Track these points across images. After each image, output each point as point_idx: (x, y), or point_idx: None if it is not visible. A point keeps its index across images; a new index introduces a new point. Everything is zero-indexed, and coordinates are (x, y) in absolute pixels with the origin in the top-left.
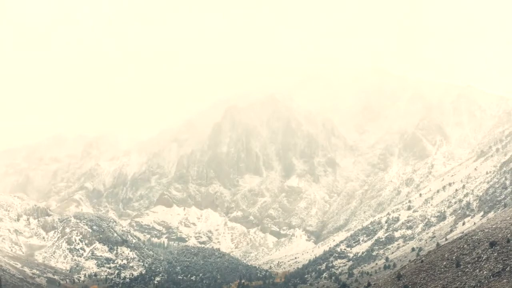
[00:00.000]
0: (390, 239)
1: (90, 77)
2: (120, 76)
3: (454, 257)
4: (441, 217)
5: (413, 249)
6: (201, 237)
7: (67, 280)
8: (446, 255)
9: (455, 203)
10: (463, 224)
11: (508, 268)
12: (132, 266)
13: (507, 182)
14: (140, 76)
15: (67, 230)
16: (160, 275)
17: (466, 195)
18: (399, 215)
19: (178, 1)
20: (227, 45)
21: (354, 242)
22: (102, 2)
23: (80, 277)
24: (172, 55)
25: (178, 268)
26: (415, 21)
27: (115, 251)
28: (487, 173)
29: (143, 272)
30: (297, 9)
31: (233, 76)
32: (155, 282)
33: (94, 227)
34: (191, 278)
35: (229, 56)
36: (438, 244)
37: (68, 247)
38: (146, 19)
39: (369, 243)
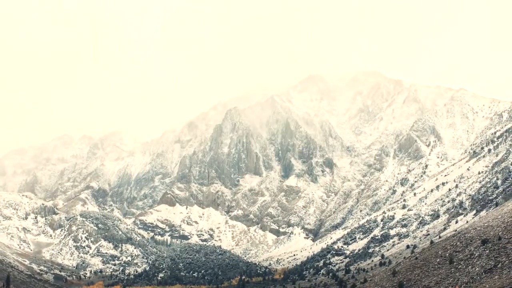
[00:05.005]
0: (385, 237)
1: (95, 79)
2: (124, 79)
3: (447, 254)
4: (435, 215)
5: (407, 247)
6: (203, 235)
7: (74, 276)
8: (439, 252)
9: (449, 202)
10: (456, 222)
11: (499, 265)
12: (136, 263)
13: (499, 182)
14: (144, 79)
15: (74, 228)
16: (163, 271)
17: (459, 194)
18: (394, 213)
19: (178, 4)
20: (227, 50)
21: (350, 240)
22: (103, 4)
23: (86, 274)
24: (174, 58)
25: (181, 264)
26: (411, 26)
27: (119, 249)
28: (479, 173)
29: (147, 269)
30: (296, 12)
31: (233, 80)
32: (159, 278)
33: (100, 225)
34: (193, 274)
35: (229, 60)
36: (432, 242)
37: (75, 244)
38: (147, 22)
39: (365, 240)
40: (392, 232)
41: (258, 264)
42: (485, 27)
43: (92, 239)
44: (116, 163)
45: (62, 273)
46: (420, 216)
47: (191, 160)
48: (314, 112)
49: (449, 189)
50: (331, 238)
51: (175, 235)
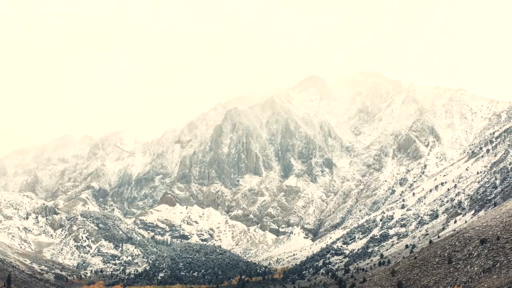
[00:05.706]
0: (384, 237)
1: (95, 80)
2: (125, 80)
3: (446, 254)
4: (434, 215)
5: (406, 246)
6: (203, 235)
7: (74, 276)
8: (438, 252)
9: (447, 202)
10: (455, 222)
11: (498, 265)
12: (137, 263)
13: (497, 182)
14: (144, 80)
15: (74, 228)
16: (164, 271)
17: (458, 194)
18: (393, 213)
19: (178, 4)
20: (228, 50)
21: (350, 240)
22: (103, 4)
23: (87, 273)
24: (175, 59)
25: (181, 264)
26: (410, 27)
27: (120, 248)
28: (478, 173)
29: (147, 268)
30: (296, 12)
31: (233, 80)
32: (159, 278)
33: (100, 225)
34: (193, 274)
35: (229, 61)
36: (430, 241)
37: (75, 244)
38: (147, 22)
39: (365, 240)
40: (391, 232)
41: (258, 263)
42: (484, 28)
43: (93, 238)
44: (117, 163)
45: (63, 273)
46: (419, 216)
47: (191, 160)
48: (313, 113)
49: (448, 189)
50: (331, 238)
51: (175, 235)
